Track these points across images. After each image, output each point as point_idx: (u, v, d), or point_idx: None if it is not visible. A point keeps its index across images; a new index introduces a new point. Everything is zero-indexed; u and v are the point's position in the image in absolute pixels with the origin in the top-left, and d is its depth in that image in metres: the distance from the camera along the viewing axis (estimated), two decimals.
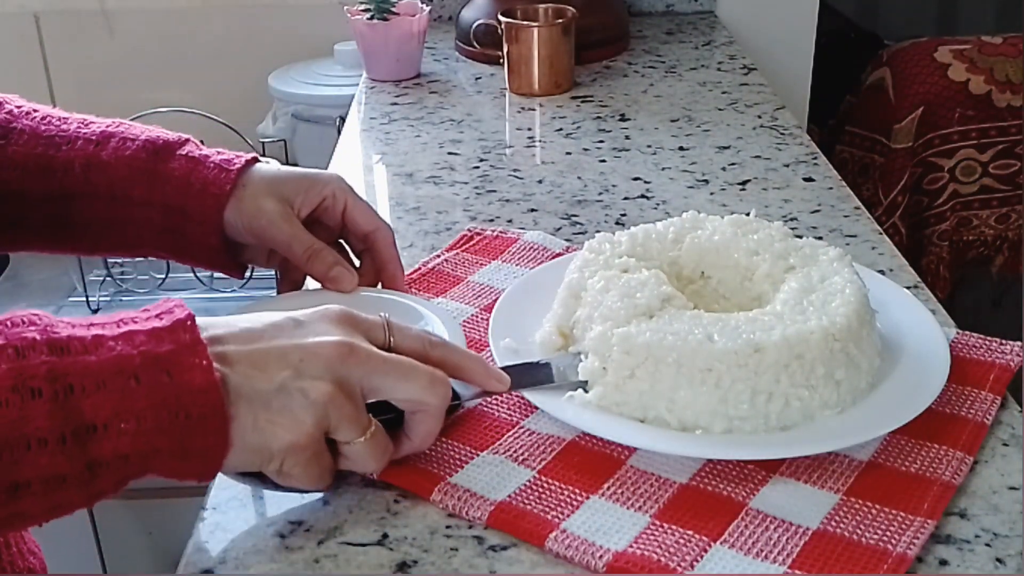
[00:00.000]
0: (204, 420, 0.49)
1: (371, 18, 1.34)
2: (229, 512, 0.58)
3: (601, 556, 0.52)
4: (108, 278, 1.51)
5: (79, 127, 0.75)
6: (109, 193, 0.73)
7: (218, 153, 0.74)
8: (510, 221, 0.94)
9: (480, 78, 1.38)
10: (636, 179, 1.03)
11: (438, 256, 0.85)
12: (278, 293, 0.78)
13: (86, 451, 0.47)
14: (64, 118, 0.76)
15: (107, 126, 0.75)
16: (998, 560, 0.53)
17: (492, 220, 0.94)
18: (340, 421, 0.52)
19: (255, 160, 0.74)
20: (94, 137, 0.74)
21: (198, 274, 1.46)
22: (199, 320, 0.51)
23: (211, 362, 0.49)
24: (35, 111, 0.76)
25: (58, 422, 0.46)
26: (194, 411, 0.48)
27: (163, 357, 0.48)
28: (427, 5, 1.38)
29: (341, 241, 0.77)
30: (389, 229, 0.76)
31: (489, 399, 0.65)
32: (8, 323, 0.48)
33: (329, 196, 0.74)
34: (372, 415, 0.55)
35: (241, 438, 0.50)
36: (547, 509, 0.56)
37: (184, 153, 0.73)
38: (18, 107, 0.76)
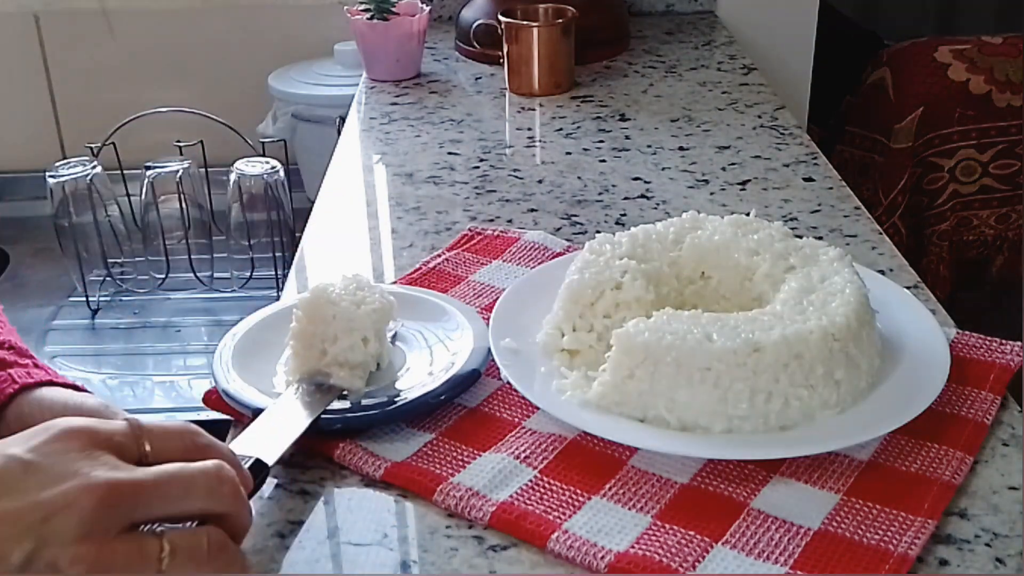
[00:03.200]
0: None
1: (371, 18, 1.34)
2: None
3: (603, 557, 0.52)
4: (108, 278, 1.51)
5: None
6: None
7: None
8: (510, 221, 0.94)
9: (480, 78, 1.38)
10: (636, 179, 1.03)
11: (439, 256, 0.85)
12: None
13: None
14: None
15: None
16: (998, 560, 0.53)
17: (492, 220, 0.94)
18: (121, 574, 0.42)
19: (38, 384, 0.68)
20: None
21: (198, 274, 1.46)
22: None
23: None
24: None
25: None
26: None
27: None
28: (427, 5, 1.38)
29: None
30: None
31: (491, 400, 0.65)
32: None
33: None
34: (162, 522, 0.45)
35: None
36: (549, 509, 0.56)
37: None
38: None
